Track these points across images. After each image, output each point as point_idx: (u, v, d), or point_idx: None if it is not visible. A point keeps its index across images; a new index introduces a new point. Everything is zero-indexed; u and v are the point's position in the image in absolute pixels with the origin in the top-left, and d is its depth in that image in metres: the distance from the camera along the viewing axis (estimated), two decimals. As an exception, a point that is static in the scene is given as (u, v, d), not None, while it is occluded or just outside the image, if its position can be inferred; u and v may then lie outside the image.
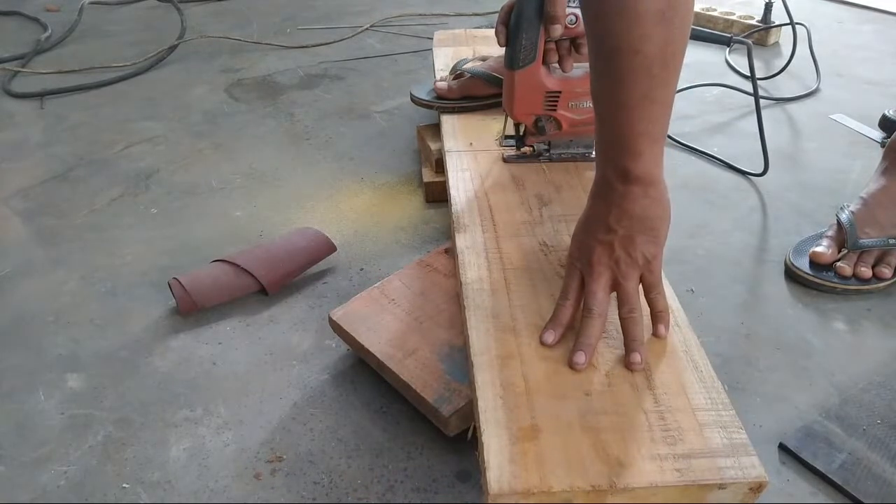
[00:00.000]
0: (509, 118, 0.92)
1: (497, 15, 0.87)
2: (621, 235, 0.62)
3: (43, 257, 0.99)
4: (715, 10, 1.77)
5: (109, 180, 1.17)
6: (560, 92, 0.88)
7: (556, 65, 0.88)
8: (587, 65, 0.89)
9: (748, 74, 1.13)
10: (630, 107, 0.60)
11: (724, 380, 0.61)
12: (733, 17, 1.71)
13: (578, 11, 0.82)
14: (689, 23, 0.59)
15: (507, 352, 0.62)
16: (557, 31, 0.81)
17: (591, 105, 0.89)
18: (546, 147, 0.94)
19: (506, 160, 0.94)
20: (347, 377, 0.77)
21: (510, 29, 0.83)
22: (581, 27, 0.83)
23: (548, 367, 0.61)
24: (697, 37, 1.24)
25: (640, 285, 0.64)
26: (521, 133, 0.93)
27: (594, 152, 0.68)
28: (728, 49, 1.59)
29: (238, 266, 0.89)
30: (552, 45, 0.86)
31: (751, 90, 1.12)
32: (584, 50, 0.86)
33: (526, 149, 0.94)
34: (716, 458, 0.53)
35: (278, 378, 0.77)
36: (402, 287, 0.80)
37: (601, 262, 0.63)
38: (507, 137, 0.96)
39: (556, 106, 0.88)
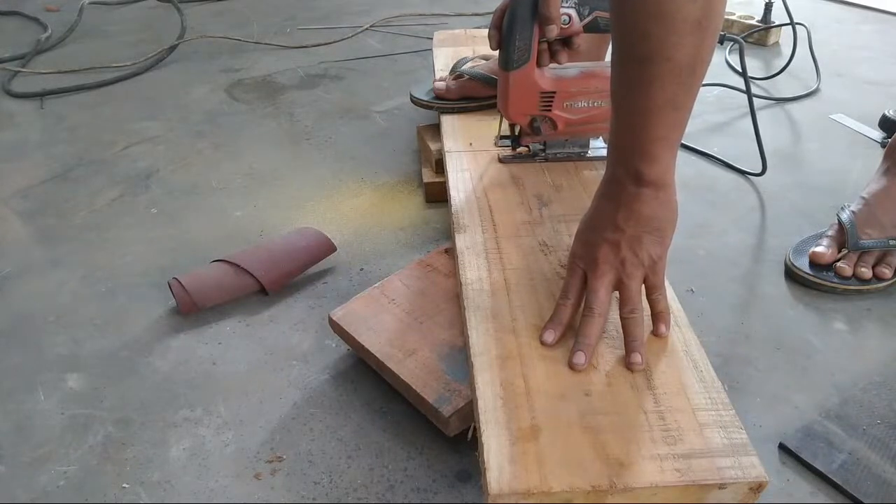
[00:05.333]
0: (504, 119, 0.92)
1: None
2: (629, 235, 0.62)
3: (43, 257, 0.99)
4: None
5: (109, 180, 1.17)
6: (555, 92, 0.88)
7: (551, 65, 0.87)
8: (582, 64, 0.90)
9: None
10: (652, 112, 0.60)
11: (724, 380, 0.61)
12: (733, 17, 1.71)
13: (572, 11, 0.82)
14: (719, 31, 0.58)
15: (507, 352, 0.62)
16: (553, 31, 0.81)
17: (585, 105, 0.89)
18: (542, 147, 0.94)
19: (501, 160, 0.94)
20: (347, 377, 0.77)
21: (504, 30, 0.83)
22: (575, 27, 0.83)
23: (548, 367, 0.61)
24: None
25: (643, 286, 0.64)
26: (517, 133, 0.93)
27: (605, 152, 0.67)
28: (727, 49, 1.59)
29: (238, 266, 0.89)
30: (545, 46, 0.85)
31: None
32: (570, 49, 0.86)
33: (522, 149, 0.94)
34: (716, 458, 0.53)
35: (278, 378, 0.77)
36: (402, 287, 0.80)
37: (607, 260, 0.63)
38: (502, 138, 0.96)
39: (550, 106, 0.88)
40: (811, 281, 0.88)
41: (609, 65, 0.64)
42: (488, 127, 1.03)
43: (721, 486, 0.52)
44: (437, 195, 1.06)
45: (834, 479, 0.64)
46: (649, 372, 0.61)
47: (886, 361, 0.78)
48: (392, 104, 1.41)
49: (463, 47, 1.32)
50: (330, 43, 1.73)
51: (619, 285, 0.63)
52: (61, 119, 1.38)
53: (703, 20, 0.56)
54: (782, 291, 0.88)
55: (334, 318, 0.76)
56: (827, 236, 0.91)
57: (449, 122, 1.06)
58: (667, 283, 0.67)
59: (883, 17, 1.86)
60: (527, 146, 0.94)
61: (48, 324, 0.86)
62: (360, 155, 1.22)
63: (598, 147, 0.95)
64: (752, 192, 1.09)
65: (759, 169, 1.10)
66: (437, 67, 1.24)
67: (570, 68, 0.89)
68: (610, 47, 0.85)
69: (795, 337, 0.81)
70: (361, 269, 0.94)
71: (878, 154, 1.12)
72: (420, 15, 1.91)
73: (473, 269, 0.73)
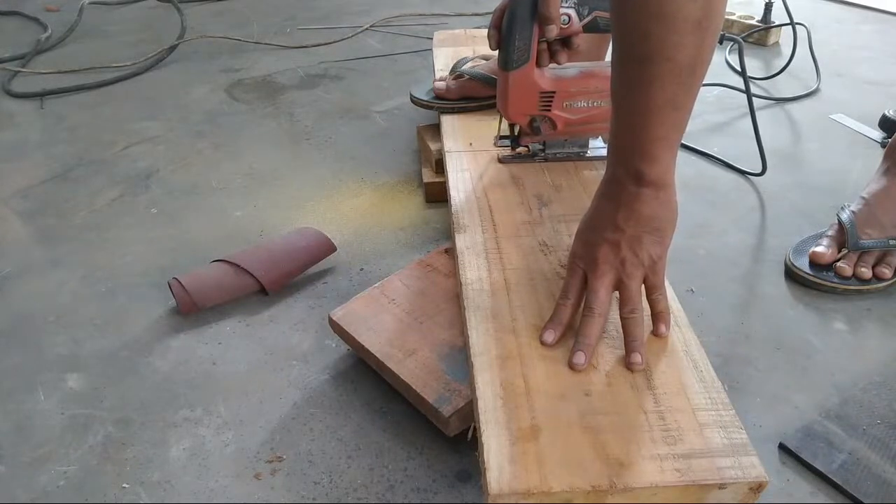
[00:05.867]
0: (504, 119, 0.92)
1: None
2: (629, 235, 0.62)
3: (43, 257, 0.99)
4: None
5: (109, 180, 1.17)
6: (554, 92, 0.88)
7: (551, 64, 0.87)
8: (581, 64, 0.90)
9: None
10: (653, 112, 0.60)
11: (724, 380, 0.61)
12: (733, 17, 1.71)
13: (571, 11, 0.82)
14: (719, 31, 0.59)
15: (507, 352, 0.62)
16: (553, 31, 0.81)
17: (585, 105, 0.89)
18: (541, 147, 0.94)
19: (501, 160, 0.94)
20: (347, 377, 0.77)
21: (503, 30, 0.83)
22: (574, 27, 0.83)
23: (548, 367, 0.61)
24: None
25: (643, 286, 0.64)
26: (517, 133, 0.93)
27: (605, 152, 0.67)
28: (727, 49, 1.59)
29: (238, 266, 0.89)
30: (544, 46, 0.85)
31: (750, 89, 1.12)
32: (570, 49, 0.86)
33: (521, 149, 0.94)
34: (716, 458, 0.53)
35: (278, 378, 0.77)
36: (402, 287, 0.80)
37: (607, 260, 0.63)
38: (502, 138, 0.96)
39: (550, 106, 0.88)
40: (811, 281, 0.88)
41: (609, 65, 0.64)
42: (488, 127, 1.03)
43: (721, 486, 0.52)
44: (437, 195, 1.06)
45: (834, 479, 0.64)
46: (649, 372, 0.61)
47: (886, 361, 0.78)
48: (392, 104, 1.41)
49: (463, 47, 1.32)
50: (330, 43, 1.73)
51: (619, 285, 0.63)
52: (61, 119, 1.38)
53: (704, 20, 0.56)
54: (782, 291, 0.88)
55: (334, 318, 0.76)
56: (827, 236, 0.91)
57: (449, 122, 1.06)
58: (667, 283, 0.67)
59: (883, 17, 1.86)
60: (526, 146, 0.94)
61: (48, 324, 0.86)
62: (360, 155, 1.22)
63: (598, 147, 0.95)
64: (752, 192, 1.09)
65: (759, 169, 1.10)
66: (437, 67, 1.24)
67: (569, 68, 0.89)
68: (610, 47, 0.86)
69: (795, 337, 0.81)
70: (361, 269, 0.94)
71: (878, 154, 1.12)
72: (420, 15, 1.91)
73: (473, 269, 0.73)
